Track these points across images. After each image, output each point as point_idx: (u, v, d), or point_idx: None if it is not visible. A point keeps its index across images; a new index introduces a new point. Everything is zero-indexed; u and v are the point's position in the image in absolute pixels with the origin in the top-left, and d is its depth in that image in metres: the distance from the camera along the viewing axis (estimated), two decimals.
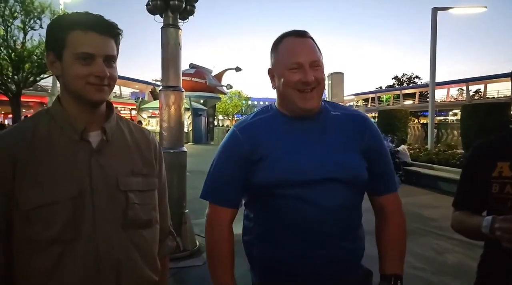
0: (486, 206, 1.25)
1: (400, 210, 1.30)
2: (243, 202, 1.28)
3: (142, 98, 29.59)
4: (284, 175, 1.13)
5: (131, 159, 1.06)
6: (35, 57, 14.73)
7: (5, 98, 15.79)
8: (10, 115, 17.97)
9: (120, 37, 1.02)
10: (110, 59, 0.97)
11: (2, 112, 36.40)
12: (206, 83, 25.83)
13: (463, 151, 9.01)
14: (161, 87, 4.21)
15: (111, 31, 0.98)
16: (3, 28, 14.07)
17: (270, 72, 1.22)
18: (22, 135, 0.94)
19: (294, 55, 1.13)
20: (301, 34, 1.16)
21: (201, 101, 27.51)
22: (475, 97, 47.17)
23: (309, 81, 1.11)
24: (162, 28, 4.07)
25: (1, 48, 14.16)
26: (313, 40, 1.18)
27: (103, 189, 0.97)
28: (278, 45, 1.19)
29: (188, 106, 23.41)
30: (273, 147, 1.16)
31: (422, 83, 55.21)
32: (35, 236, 0.90)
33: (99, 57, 0.94)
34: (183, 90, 4.21)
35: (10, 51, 14.16)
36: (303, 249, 1.14)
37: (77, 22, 0.94)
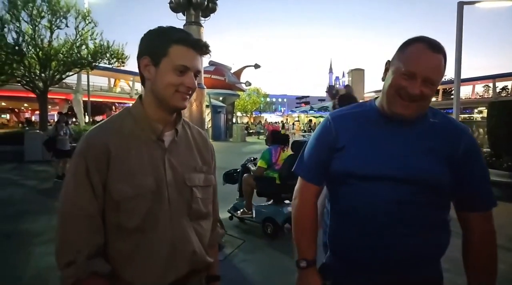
0: None
1: (490, 235, 1.22)
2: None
3: None
4: (356, 168, 1.19)
5: (193, 157, 1.19)
6: (61, 56, 15.16)
7: (33, 95, 16.36)
8: (37, 112, 18.58)
9: (208, 56, 1.18)
10: (198, 74, 1.12)
11: (30, 108, 37.71)
12: (225, 80, 25.94)
13: (489, 149, 8.72)
14: None
15: (204, 51, 1.13)
16: (31, 28, 14.54)
17: (387, 64, 1.22)
18: (114, 131, 1.07)
19: (415, 64, 1.10)
20: (435, 47, 1.11)
21: (220, 98, 27.67)
22: (502, 94, 45.51)
23: (411, 94, 1.11)
24: (184, 25, 4.12)
25: (29, 46, 14.64)
26: (444, 58, 1.13)
27: (175, 184, 1.09)
28: (408, 45, 1.15)
29: (208, 103, 23.58)
30: (357, 139, 1.22)
31: (446, 80, 53.67)
32: (122, 223, 1.02)
33: (192, 71, 1.09)
34: (205, 87, 4.26)
35: (38, 49, 14.64)
36: (362, 236, 1.20)
37: (182, 39, 1.08)
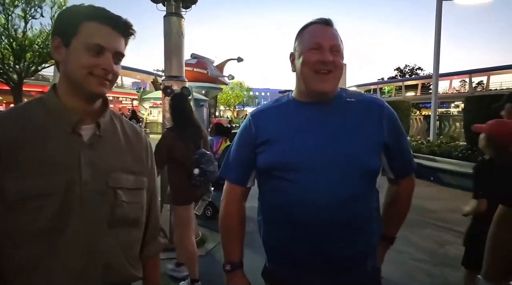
0: None
1: (411, 192, 1.38)
2: (255, 182, 1.35)
3: (143, 88, 29.43)
4: (280, 159, 1.18)
5: (122, 156, 1.04)
6: (36, 46, 14.67)
7: (6, 88, 15.77)
8: (12, 105, 17.93)
9: (133, 37, 1.02)
10: (119, 56, 0.97)
11: (4, 101, 36.42)
12: (208, 73, 25.65)
13: (465, 143, 8.98)
14: (163, 77, 4.19)
15: (126, 30, 0.98)
16: (4, 17, 13.99)
17: (291, 55, 1.27)
18: (16, 120, 0.92)
19: (316, 37, 1.17)
20: (326, 22, 1.21)
21: (203, 91, 27.39)
22: (477, 89, 46.92)
23: (326, 61, 1.14)
24: (164, 17, 4.04)
25: (2, 37, 14.09)
26: (336, 30, 1.22)
27: (92, 184, 0.94)
28: (303, 30, 1.23)
29: (190, 97, 23.26)
30: (277, 131, 1.22)
31: (425, 75, 54.90)
32: (21, 227, 0.87)
33: (109, 52, 0.94)
34: (186, 79, 4.20)
35: (11, 40, 14.10)
36: (294, 232, 1.17)
37: (94, 14, 0.94)
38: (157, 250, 1.20)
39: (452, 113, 37.69)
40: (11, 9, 14.10)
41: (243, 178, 1.33)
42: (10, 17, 14.11)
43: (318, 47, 1.15)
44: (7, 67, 14.39)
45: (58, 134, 0.93)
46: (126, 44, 1.00)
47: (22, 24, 14.55)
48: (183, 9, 4.12)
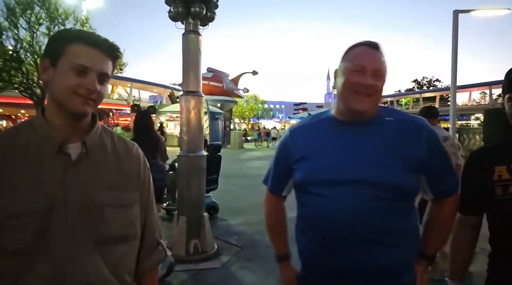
0: (489, 209, 1.28)
1: (454, 213, 1.33)
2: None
3: (160, 102, 30.07)
4: (311, 175, 1.24)
5: (110, 172, 1.04)
6: None
7: (30, 102, 16.37)
8: None
9: (119, 59, 1.05)
10: (104, 77, 0.99)
11: (27, 115, 37.65)
12: (223, 87, 26.04)
13: None
14: (181, 92, 4.29)
15: (111, 52, 1.01)
16: (29, 34, 14.64)
17: (336, 72, 1.28)
18: (1, 140, 0.95)
19: (361, 59, 1.19)
20: (374, 45, 1.21)
21: (218, 104, 27.74)
22: (498, 101, 45.81)
23: (367, 84, 1.15)
24: (183, 34, 4.16)
25: (27, 53, 14.72)
26: (383, 55, 1.22)
27: (77, 203, 0.94)
28: (350, 50, 1.24)
29: (205, 110, 23.62)
30: (311, 148, 1.27)
31: (443, 87, 54.10)
32: (0, 245, 0.88)
33: (93, 72, 0.96)
34: (203, 95, 4.29)
35: (36, 56, 14.69)
36: (325, 245, 1.22)
37: (81, 36, 0.98)
38: (153, 264, 1.19)
39: (472, 125, 36.87)
40: (36, 27, 14.79)
41: (277, 189, 1.46)
42: (35, 35, 14.77)
43: (361, 69, 1.16)
44: (31, 82, 15.00)
45: (44, 154, 0.94)
46: (114, 66, 1.04)
47: (46, 41, 15.15)
48: (200, 27, 4.24)
